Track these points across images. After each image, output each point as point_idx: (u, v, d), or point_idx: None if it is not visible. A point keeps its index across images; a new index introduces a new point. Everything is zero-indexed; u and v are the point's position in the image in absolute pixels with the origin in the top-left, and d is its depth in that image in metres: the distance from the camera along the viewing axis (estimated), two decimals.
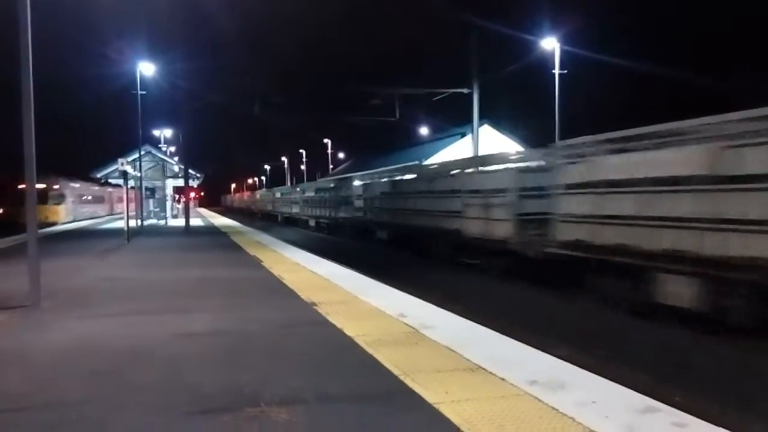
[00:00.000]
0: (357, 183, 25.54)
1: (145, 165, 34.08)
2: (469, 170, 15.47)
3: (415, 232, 17.90)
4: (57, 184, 37.87)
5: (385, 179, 22.37)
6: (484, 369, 4.58)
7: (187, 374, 4.60)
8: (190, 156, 30.16)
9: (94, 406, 3.95)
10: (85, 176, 42.29)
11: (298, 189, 41.30)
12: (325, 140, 76.02)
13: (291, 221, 40.99)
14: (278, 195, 49.66)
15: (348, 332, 5.84)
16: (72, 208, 39.93)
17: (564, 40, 28.64)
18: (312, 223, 34.19)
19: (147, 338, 5.75)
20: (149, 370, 4.73)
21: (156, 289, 8.91)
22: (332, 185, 31.18)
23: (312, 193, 35.51)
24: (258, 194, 69.23)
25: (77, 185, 41.54)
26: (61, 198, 38.02)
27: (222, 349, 5.37)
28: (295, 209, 39.50)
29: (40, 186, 35.98)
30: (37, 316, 6.93)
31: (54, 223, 34.34)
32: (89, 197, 44.95)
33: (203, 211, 71.07)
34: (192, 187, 35.77)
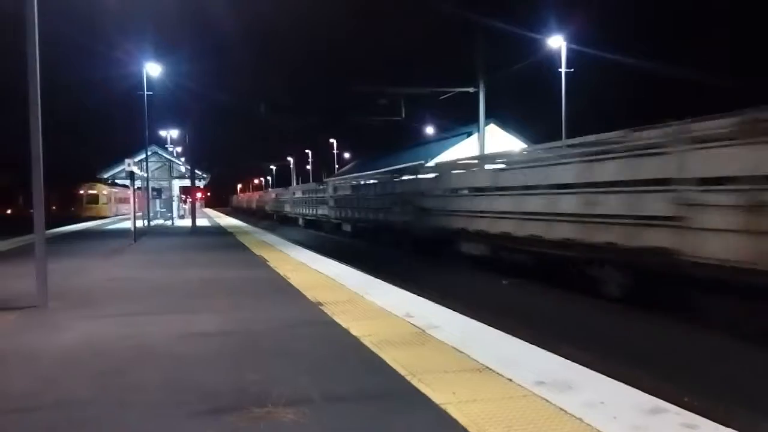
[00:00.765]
0: (426, 175, 18.79)
1: (152, 165, 34.22)
2: (707, 142, 8.16)
3: (553, 249, 11.17)
4: (105, 190, 55.16)
5: (490, 167, 15.07)
6: (491, 369, 4.56)
7: (193, 374, 4.60)
8: (196, 156, 30.24)
9: (100, 405, 3.96)
10: (93, 177, 44.06)
11: (326, 185, 33.74)
12: (331, 140, 76.22)
13: (314, 225, 34.27)
14: (298, 194, 42.24)
15: (354, 332, 5.83)
16: (114, 207, 57.22)
17: (570, 39, 28.54)
18: (347, 228, 27.61)
19: (153, 338, 5.75)
20: (155, 369, 4.74)
21: (162, 290, 8.92)
22: (381, 179, 24.17)
23: (347, 191, 28.29)
24: (273, 193, 61.35)
25: (116, 190, 56.06)
26: (108, 199, 56.14)
27: (228, 348, 5.37)
28: (323, 211, 32.45)
29: (93, 192, 54.46)
30: (45, 317, 6.96)
31: (104, 217, 48.29)
32: (123, 198, 58.50)
33: (209, 211, 71.28)
34: (198, 187, 35.91)
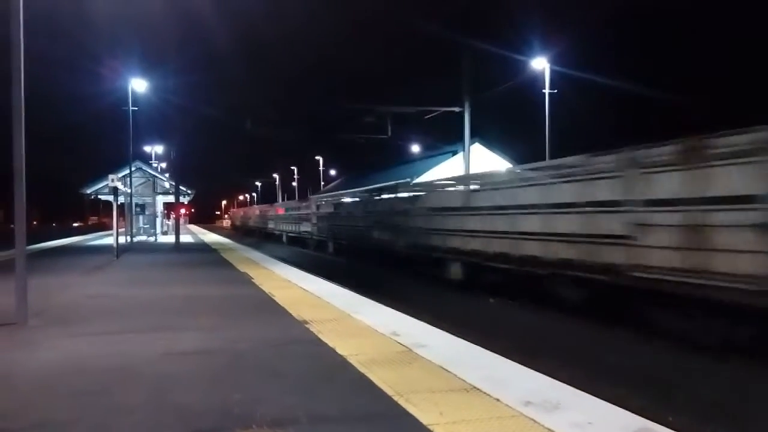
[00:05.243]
0: (407, 194, 16.83)
1: (136, 181, 33.96)
2: None
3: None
4: None
5: (466, 187, 13.74)
6: (478, 389, 4.53)
7: (175, 394, 4.52)
8: (181, 172, 30.03)
9: (81, 427, 3.86)
10: (76, 192, 43.04)
11: (309, 202, 31.58)
12: (317, 157, 76.30)
13: (298, 242, 32.28)
14: (281, 211, 39.43)
15: (340, 351, 5.78)
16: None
17: (554, 61, 29.01)
18: (330, 245, 25.35)
19: (135, 357, 5.65)
20: (137, 389, 4.64)
21: (145, 307, 8.79)
22: (362, 198, 21.94)
23: (329, 209, 26.43)
24: (257, 209, 58.63)
25: None
26: None
27: (212, 368, 5.29)
28: (306, 228, 30.51)
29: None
30: (25, 335, 6.81)
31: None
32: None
33: (193, 227, 70.67)
34: (182, 203, 35.65)
